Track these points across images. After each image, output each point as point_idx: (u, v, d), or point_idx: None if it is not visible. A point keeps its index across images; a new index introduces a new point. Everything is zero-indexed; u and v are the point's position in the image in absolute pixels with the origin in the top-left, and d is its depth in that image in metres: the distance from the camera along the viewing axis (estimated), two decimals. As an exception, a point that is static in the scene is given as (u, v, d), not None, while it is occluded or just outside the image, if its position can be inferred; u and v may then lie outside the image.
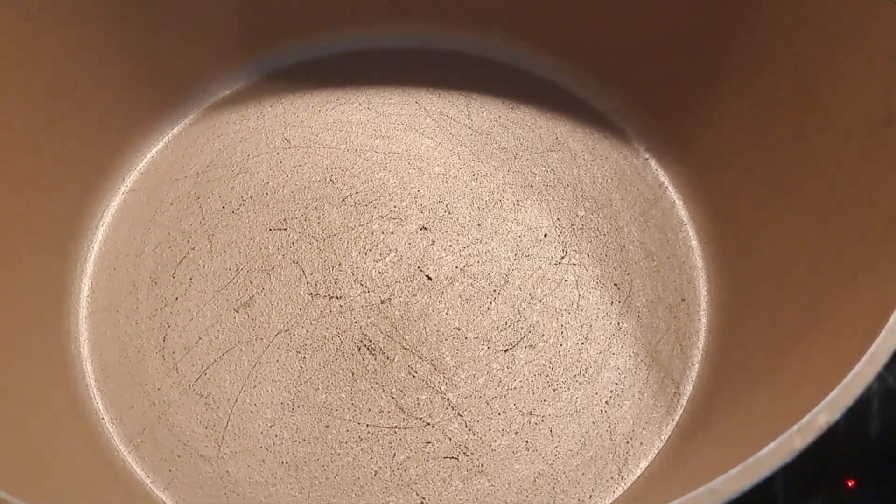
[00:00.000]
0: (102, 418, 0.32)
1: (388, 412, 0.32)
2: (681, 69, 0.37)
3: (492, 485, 0.31)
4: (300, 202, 0.37)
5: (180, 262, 0.36)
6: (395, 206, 0.37)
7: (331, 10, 0.41)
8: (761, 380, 0.28)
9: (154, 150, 0.39)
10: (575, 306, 0.34)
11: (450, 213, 0.37)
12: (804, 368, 0.25)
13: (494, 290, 0.35)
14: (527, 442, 0.32)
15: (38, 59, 0.32)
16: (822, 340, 0.26)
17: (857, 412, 0.35)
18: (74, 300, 0.35)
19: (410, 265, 0.35)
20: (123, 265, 0.36)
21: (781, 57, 0.31)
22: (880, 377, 0.35)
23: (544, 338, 0.34)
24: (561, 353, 0.33)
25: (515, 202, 0.37)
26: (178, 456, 0.31)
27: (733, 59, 0.34)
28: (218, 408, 0.32)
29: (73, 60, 0.34)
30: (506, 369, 0.33)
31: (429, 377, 0.33)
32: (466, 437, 0.32)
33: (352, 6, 0.41)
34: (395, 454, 0.31)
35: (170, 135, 0.39)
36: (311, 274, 0.35)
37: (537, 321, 0.34)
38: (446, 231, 0.36)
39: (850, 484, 0.33)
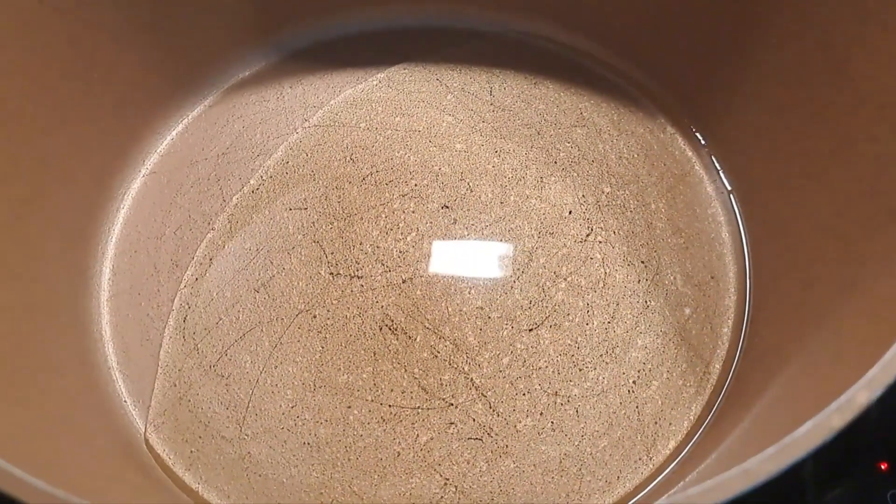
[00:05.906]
0: (125, 400, 0.32)
1: (411, 392, 0.32)
2: (705, 44, 0.35)
3: (517, 466, 0.30)
4: (320, 181, 0.37)
5: (201, 244, 0.35)
6: (416, 185, 0.36)
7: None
8: (794, 358, 0.27)
9: (174, 133, 0.39)
10: (601, 284, 0.34)
11: (472, 191, 0.36)
12: (839, 348, 0.24)
13: (518, 269, 0.34)
14: (552, 423, 0.31)
15: (53, 42, 0.32)
16: (856, 320, 0.25)
17: (892, 392, 0.34)
18: (96, 283, 0.35)
19: (432, 244, 0.35)
20: (144, 247, 0.36)
21: (810, 31, 0.29)
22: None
23: (570, 317, 0.33)
24: (587, 332, 0.33)
25: (539, 179, 0.36)
26: (200, 437, 0.31)
27: (760, 34, 0.33)
28: (239, 388, 0.32)
29: (89, 43, 0.34)
30: (530, 349, 0.32)
31: (452, 357, 0.32)
32: (491, 418, 0.31)
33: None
34: (418, 435, 0.31)
35: (189, 117, 0.39)
36: (332, 253, 0.35)
37: (562, 300, 0.33)
38: (468, 209, 0.36)
39: (882, 467, 0.32)
